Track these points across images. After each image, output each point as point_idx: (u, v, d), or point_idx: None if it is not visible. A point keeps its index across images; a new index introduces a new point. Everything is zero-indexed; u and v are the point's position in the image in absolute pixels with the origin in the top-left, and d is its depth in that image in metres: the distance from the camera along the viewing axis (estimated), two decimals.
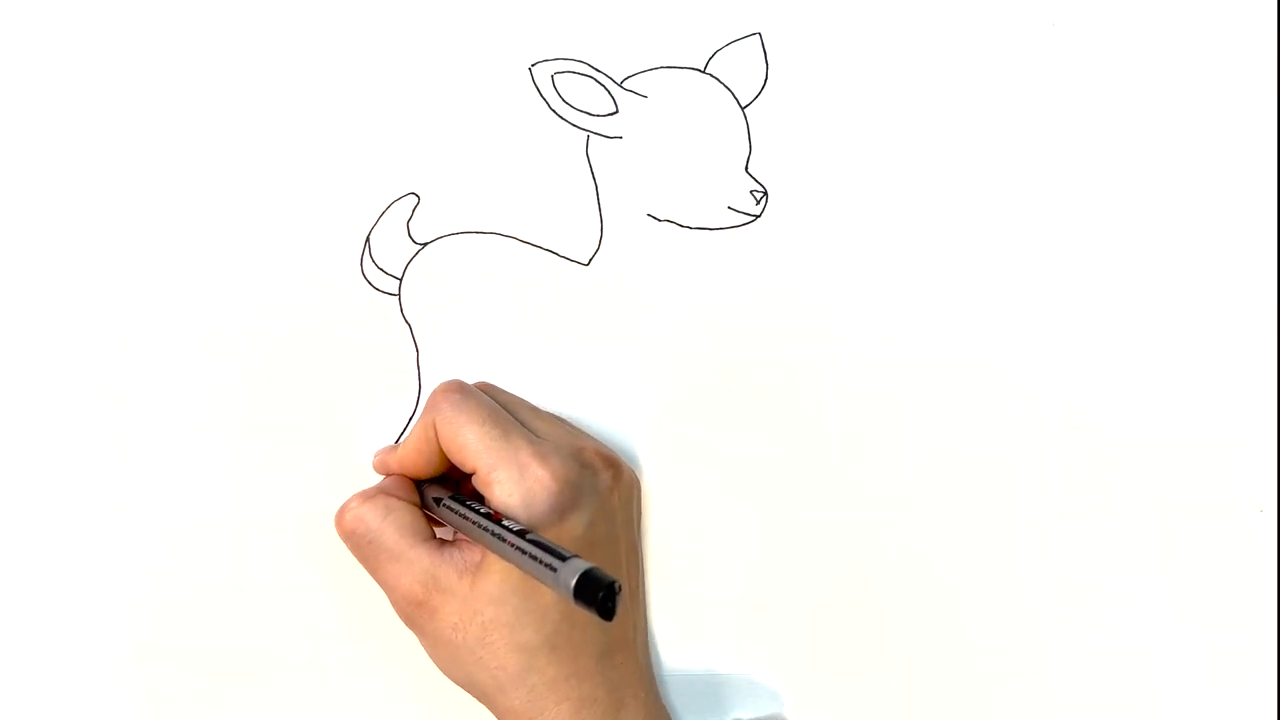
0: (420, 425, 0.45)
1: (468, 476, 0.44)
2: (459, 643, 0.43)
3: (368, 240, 0.48)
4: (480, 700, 0.44)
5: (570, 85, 0.48)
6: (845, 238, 0.48)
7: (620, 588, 0.37)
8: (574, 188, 0.48)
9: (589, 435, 0.47)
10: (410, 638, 0.45)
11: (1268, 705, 0.49)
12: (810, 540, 0.49)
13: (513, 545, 0.40)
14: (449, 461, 0.44)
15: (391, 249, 0.48)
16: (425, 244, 0.48)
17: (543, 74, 0.48)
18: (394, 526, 0.44)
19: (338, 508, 0.45)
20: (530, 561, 0.39)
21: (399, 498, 0.45)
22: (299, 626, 0.48)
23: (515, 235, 0.48)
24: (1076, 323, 0.48)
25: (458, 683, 0.44)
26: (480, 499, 0.43)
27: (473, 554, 0.43)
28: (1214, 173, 0.48)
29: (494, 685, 0.43)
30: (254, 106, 0.48)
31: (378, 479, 0.47)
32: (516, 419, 0.45)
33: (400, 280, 0.48)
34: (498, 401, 0.45)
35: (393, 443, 0.48)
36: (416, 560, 0.43)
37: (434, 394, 0.44)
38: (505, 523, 0.41)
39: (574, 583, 0.37)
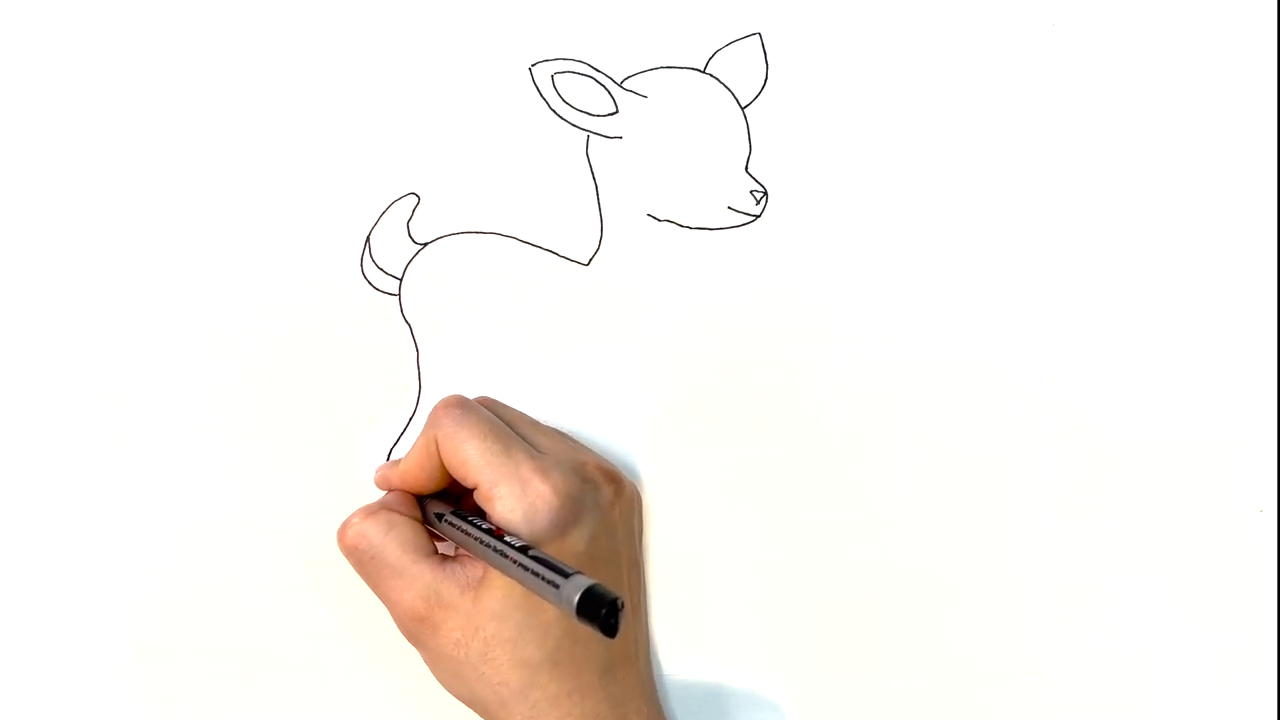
0: (422, 440, 0.45)
1: (469, 491, 0.44)
2: (461, 658, 0.43)
3: (368, 240, 0.48)
4: (482, 716, 0.44)
5: (570, 85, 0.48)
6: (845, 238, 0.48)
7: (623, 604, 0.37)
8: (574, 188, 0.48)
9: (590, 450, 0.47)
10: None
11: (1268, 705, 0.49)
12: (810, 541, 0.48)
13: (515, 562, 0.40)
14: (451, 476, 0.44)
15: (391, 249, 0.48)
16: (425, 244, 0.48)
17: (543, 74, 0.48)
18: (396, 542, 0.44)
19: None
20: (533, 578, 0.39)
21: (401, 513, 0.45)
22: (299, 627, 0.48)
23: (515, 235, 0.48)
24: (1077, 323, 0.48)
25: (460, 698, 0.44)
26: (482, 514, 0.43)
27: (475, 569, 0.43)
28: (1214, 173, 0.48)
29: (496, 701, 0.43)
30: (254, 107, 0.48)
31: (377, 478, 0.47)
32: (518, 434, 0.45)
33: (400, 280, 0.48)
34: (499, 416, 0.45)
35: (389, 445, 0.48)
36: (419, 576, 0.43)
37: (435, 409, 0.44)
38: (507, 539, 0.41)
39: (577, 599, 0.37)
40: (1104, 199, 0.48)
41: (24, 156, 0.48)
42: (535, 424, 0.47)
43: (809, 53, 0.48)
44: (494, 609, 0.42)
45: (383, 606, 0.45)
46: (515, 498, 0.42)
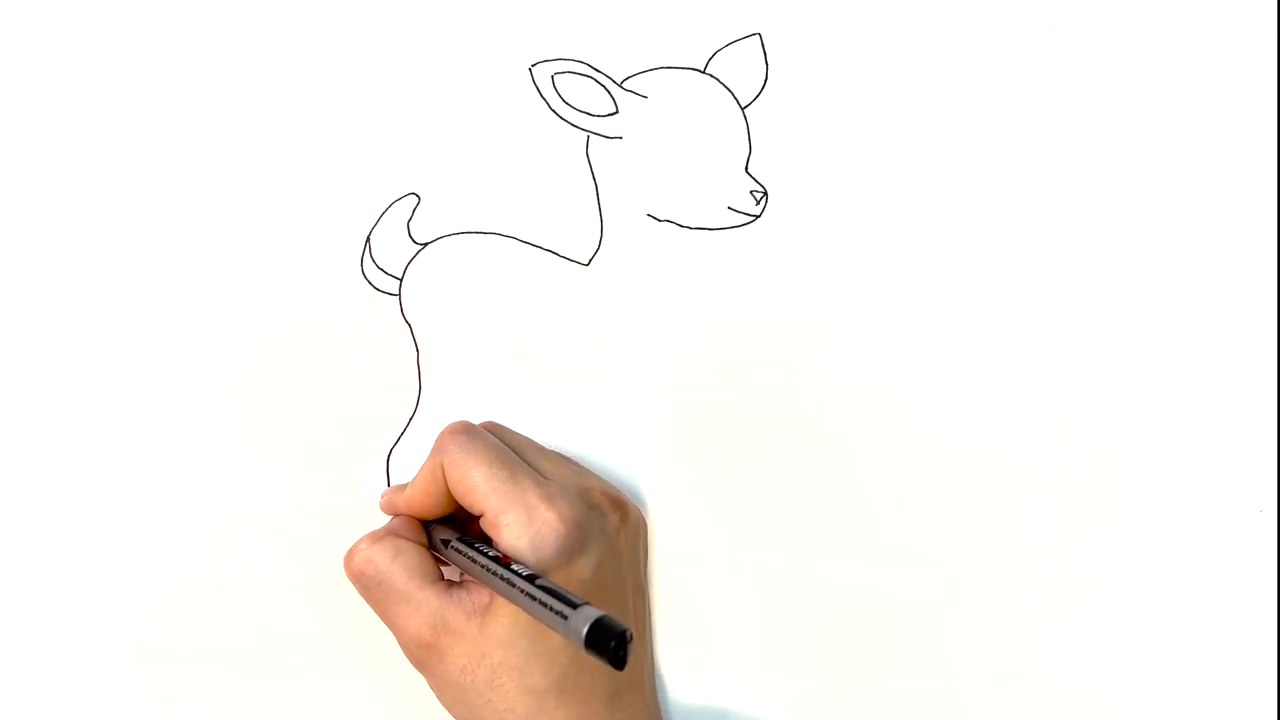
0: (428, 467, 0.45)
1: (475, 516, 0.44)
2: (467, 685, 0.43)
3: (368, 240, 0.48)
4: None
5: (570, 85, 0.48)
6: (845, 238, 0.48)
7: (632, 636, 0.37)
8: (574, 188, 0.48)
9: (595, 475, 0.47)
10: None
11: (1268, 705, 0.49)
12: (811, 544, 0.48)
13: (523, 591, 0.40)
14: (456, 502, 0.44)
15: (392, 249, 0.48)
16: (425, 244, 0.48)
17: (543, 74, 0.48)
18: (403, 568, 0.44)
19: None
20: (541, 608, 0.39)
21: (407, 539, 0.45)
22: (299, 626, 0.48)
23: (515, 235, 0.48)
24: (1077, 323, 0.48)
25: None
26: (487, 540, 0.43)
27: (481, 596, 0.43)
28: (1214, 173, 0.48)
29: None
30: (254, 107, 0.48)
31: (376, 478, 0.47)
32: (523, 460, 0.45)
33: (400, 280, 0.48)
34: (504, 442, 0.45)
35: (389, 446, 0.48)
36: (425, 602, 0.43)
37: (441, 435, 0.44)
38: (514, 567, 0.41)
39: (585, 631, 0.37)
40: (1104, 199, 0.48)
41: (24, 157, 0.48)
42: (541, 449, 0.47)
43: (809, 53, 0.48)
44: (500, 636, 0.42)
45: None
46: (521, 525, 0.42)
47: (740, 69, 0.48)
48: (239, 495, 0.48)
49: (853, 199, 0.48)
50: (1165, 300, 0.48)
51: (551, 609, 0.38)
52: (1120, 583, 0.48)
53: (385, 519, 0.47)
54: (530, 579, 0.40)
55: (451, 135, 0.48)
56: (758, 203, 0.48)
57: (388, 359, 0.48)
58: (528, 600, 0.39)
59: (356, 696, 0.49)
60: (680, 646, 0.48)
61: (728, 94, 0.48)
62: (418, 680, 0.46)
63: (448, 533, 0.45)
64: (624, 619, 0.45)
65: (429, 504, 0.45)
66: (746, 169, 0.48)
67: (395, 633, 0.44)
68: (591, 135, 0.48)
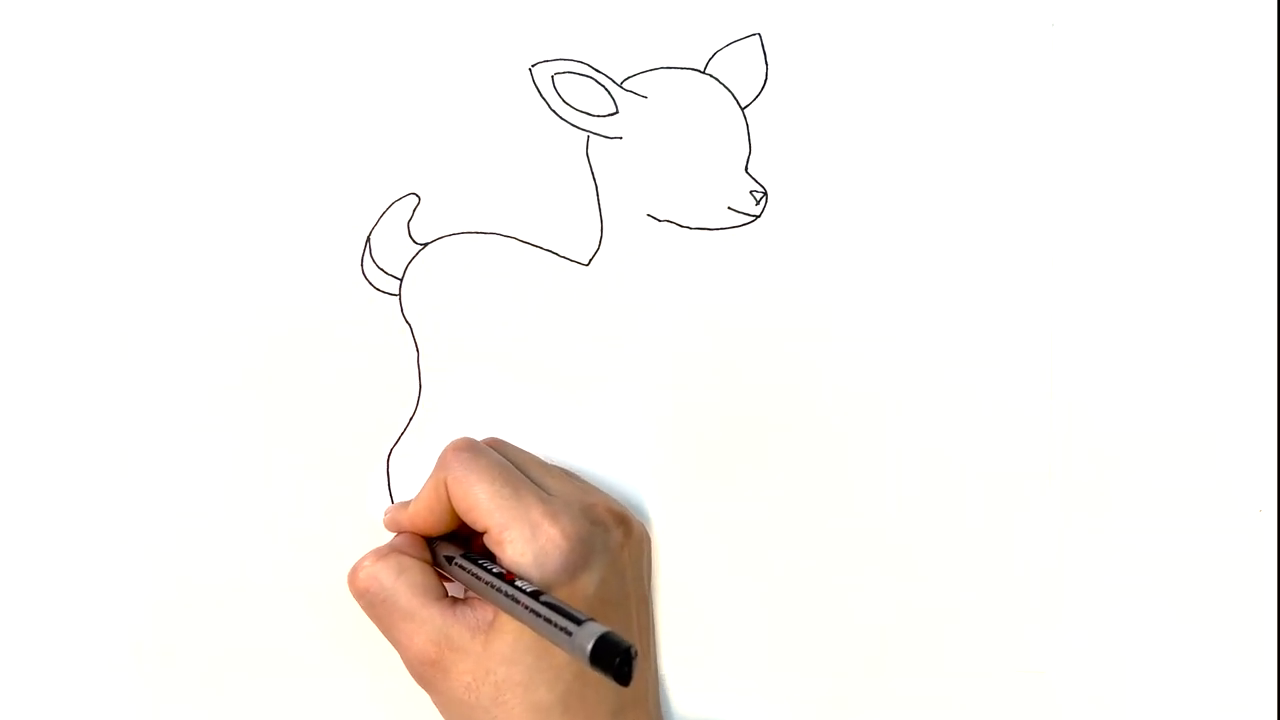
0: (431, 483, 0.45)
1: (479, 533, 0.44)
2: (472, 702, 0.43)
3: (368, 240, 0.48)
4: None
5: (570, 86, 0.48)
6: (845, 238, 0.48)
7: (636, 653, 0.37)
8: (574, 188, 0.48)
9: (599, 490, 0.47)
10: None
11: (1268, 705, 0.49)
12: (812, 545, 0.48)
13: (527, 608, 0.40)
14: (460, 519, 0.44)
15: (392, 249, 0.48)
16: (426, 244, 0.48)
17: (543, 74, 0.48)
18: (407, 585, 0.44)
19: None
20: (545, 625, 0.39)
21: (411, 556, 0.45)
22: (299, 626, 0.48)
23: (515, 235, 0.48)
24: (1077, 323, 0.48)
25: None
26: (491, 557, 0.43)
27: (485, 612, 0.43)
28: (1214, 173, 0.48)
29: None
30: (255, 107, 0.48)
31: (376, 478, 0.47)
32: (526, 475, 0.45)
33: (400, 280, 0.48)
34: (507, 458, 0.45)
35: (389, 446, 0.48)
36: (429, 620, 0.43)
37: (445, 452, 0.44)
38: (519, 584, 0.41)
39: (590, 648, 0.37)
40: (1103, 199, 0.48)
41: (24, 157, 0.48)
42: (544, 465, 0.47)
43: (809, 53, 0.48)
44: (505, 653, 0.42)
45: None
46: (525, 541, 0.42)
47: (740, 69, 0.48)
48: (239, 495, 0.48)
49: (853, 199, 0.48)
50: (1165, 300, 0.48)
51: (556, 625, 0.38)
52: (1120, 582, 0.48)
53: (386, 526, 0.47)
54: (534, 595, 0.40)
55: (451, 135, 0.48)
56: (758, 203, 0.48)
57: (388, 359, 0.48)
58: (532, 617, 0.39)
59: (356, 696, 0.49)
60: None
61: (728, 94, 0.48)
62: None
63: (452, 549, 0.45)
64: (628, 634, 0.45)
65: (433, 521, 0.45)
66: (746, 169, 0.48)
67: (400, 650, 0.44)
68: (591, 135, 0.48)
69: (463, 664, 0.43)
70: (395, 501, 0.48)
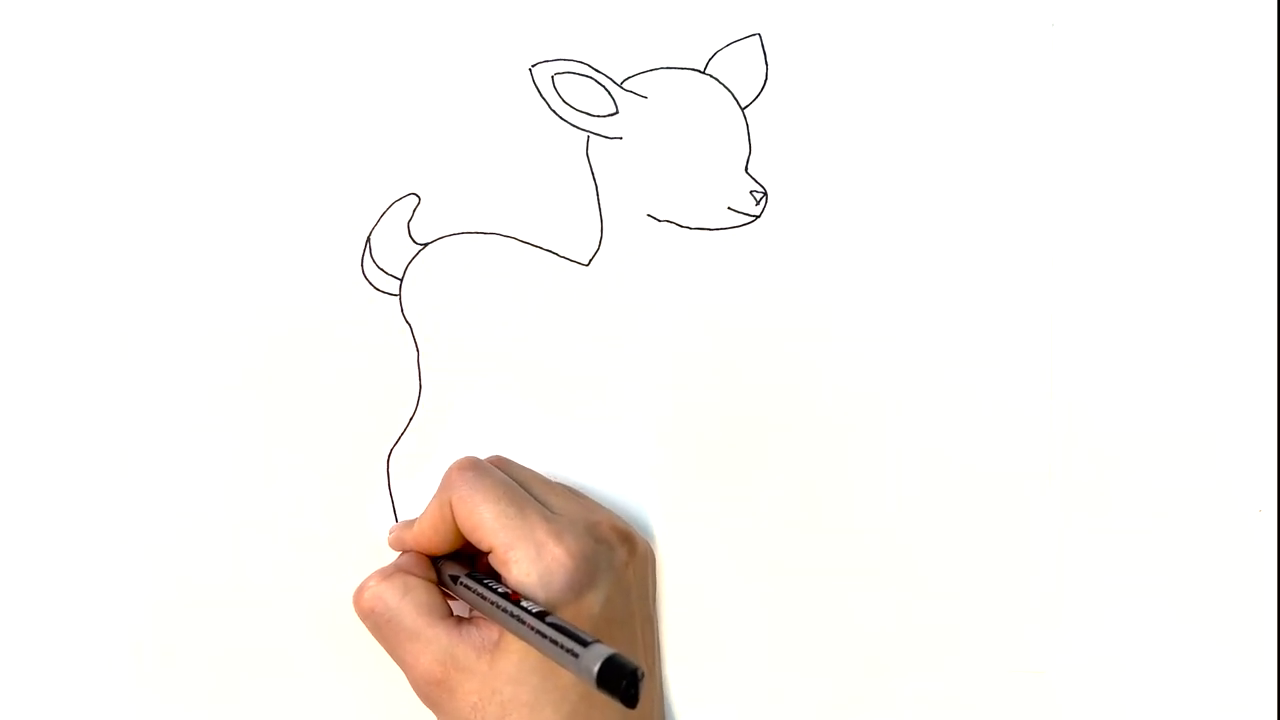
0: (436, 503, 0.44)
1: (484, 552, 0.44)
2: None
3: (368, 240, 0.48)
4: None
5: (570, 86, 0.48)
6: (845, 238, 0.48)
7: (643, 674, 0.36)
8: (574, 188, 0.48)
9: (603, 508, 0.47)
10: None
11: (1268, 705, 0.49)
12: (813, 545, 0.48)
13: (533, 629, 0.39)
14: (465, 538, 0.44)
15: (392, 249, 0.48)
16: (426, 244, 0.48)
17: (543, 75, 0.48)
18: (412, 605, 0.43)
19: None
20: (552, 646, 0.38)
21: (416, 575, 0.45)
22: (298, 626, 0.48)
23: (515, 235, 0.48)
24: (1077, 323, 0.48)
25: None
26: (496, 576, 0.43)
27: (490, 632, 0.43)
28: (1214, 173, 0.48)
29: None
30: (255, 107, 0.48)
31: (376, 478, 0.47)
32: (531, 494, 0.45)
33: (400, 280, 0.48)
34: (511, 476, 0.45)
35: (389, 446, 0.48)
36: (435, 639, 0.43)
37: (449, 472, 0.44)
38: (524, 604, 0.41)
39: (597, 669, 0.36)
40: (1103, 199, 0.48)
41: (25, 157, 0.48)
42: (548, 483, 0.47)
43: (809, 53, 0.48)
44: (510, 673, 0.42)
45: None
46: (530, 561, 0.42)
47: (740, 69, 0.48)
48: (239, 495, 0.48)
49: (852, 199, 0.48)
50: (1165, 300, 0.48)
51: (562, 646, 0.38)
52: (1120, 582, 0.48)
53: (390, 545, 0.47)
54: (540, 616, 0.40)
55: (451, 135, 0.48)
56: (757, 203, 0.48)
57: (388, 359, 0.48)
58: (538, 638, 0.39)
59: (356, 696, 0.49)
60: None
61: (728, 94, 0.48)
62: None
63: (457, 569, 0.45)
64: (633, 654, 0.45)
65: (437, 540, 0.45)
66: (746, 169, 0.48)
67: (405, 670, 0.44)
68: (591, 135, 0.48)
69: (469, 684, 0.43)
70: (395, 501, 0.48)
